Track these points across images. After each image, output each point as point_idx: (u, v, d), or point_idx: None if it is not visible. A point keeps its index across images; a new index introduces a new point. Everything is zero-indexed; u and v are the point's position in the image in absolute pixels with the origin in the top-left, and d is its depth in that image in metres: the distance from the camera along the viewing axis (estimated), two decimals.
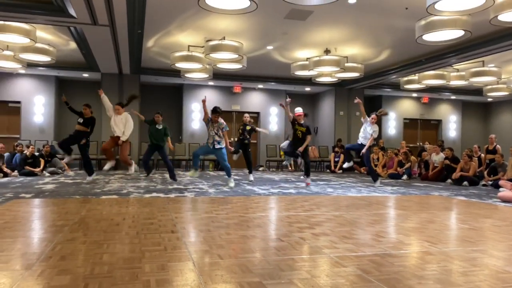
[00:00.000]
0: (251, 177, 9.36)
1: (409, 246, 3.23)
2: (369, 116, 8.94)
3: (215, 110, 7.99)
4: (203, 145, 8.44)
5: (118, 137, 8.35)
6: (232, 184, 7.99)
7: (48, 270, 2.41)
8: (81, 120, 8.32)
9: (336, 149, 14.03)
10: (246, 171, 9.89)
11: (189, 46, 9.97)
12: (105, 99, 8.49)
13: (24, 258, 2.68)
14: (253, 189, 7.65)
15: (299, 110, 8.88)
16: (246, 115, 9.92)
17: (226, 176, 8.16)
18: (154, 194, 6.49)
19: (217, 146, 7.89)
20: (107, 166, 8.41)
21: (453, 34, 7.60)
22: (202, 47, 9.76)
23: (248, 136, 9.55)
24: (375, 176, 9.11)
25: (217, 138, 7.92)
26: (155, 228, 3.71)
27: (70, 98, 13.95)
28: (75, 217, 4.22)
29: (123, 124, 8.41)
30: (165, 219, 4.18)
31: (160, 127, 8.96)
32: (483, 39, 9.11)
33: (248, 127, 9.61)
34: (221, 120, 8.06)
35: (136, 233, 3.48)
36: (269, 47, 10.56)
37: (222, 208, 5.06)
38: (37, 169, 10.14)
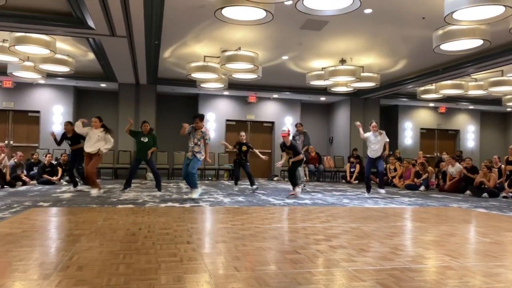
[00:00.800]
0: (254, 186, 9.17)
1: (429, 260, 3.15)
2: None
3: (198, 115, 7.47)
4: (184, 162, 7.50)
5: (91, 153, 7.72)
6: (195, 195, 7.22)
7: (65, 281, 2.42)
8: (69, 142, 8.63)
9: (352, 159, 13.90)
10: (261, 180, 9.76)
11: (205, 56, 10.05)
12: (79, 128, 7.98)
13: (42, 267, 2.70)
14: (268, 199, 7.61)
15: (284, 130, 8.25)
16: (242, 133, 9.62)
17: (190, 187, 7.48)
18: (170, 204, 6.50)
19: (198, 156, 7.23)
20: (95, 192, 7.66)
21: (472, 43, 7.51)
22: (218, 57, 9.83)
23: (244, 158, 9.34)
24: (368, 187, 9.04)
25: (196, 148, 7.24)
26: (170, 238, 3.70)
27: (87, 107, 14.33)
28: (92, 226, 4.25)
29: (96, 140, 7.77)
30: (181, 229, 4.18)
31: (146, 139, 8.39)
32: (502, 48, 8.97)
33: (244, 147, 9.36)
34: (205, 129, 7.48)
35: (152, 243, 3.48)
36: (285, 57, 10.58)
37: (238, 218, 5.04)
38: (55, 178, 10.29)
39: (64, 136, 8.75)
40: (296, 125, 10.61)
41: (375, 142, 8.79)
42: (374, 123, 8.90)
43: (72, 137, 8.45)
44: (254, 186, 9.14)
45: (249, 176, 9.36)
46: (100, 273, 2.57)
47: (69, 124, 8.50)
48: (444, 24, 6.98)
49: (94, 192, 7.59)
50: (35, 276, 2.52)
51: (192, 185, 7.33)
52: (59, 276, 2.50)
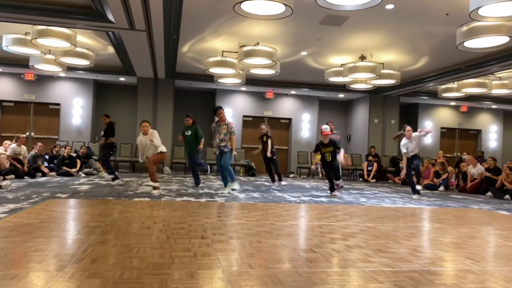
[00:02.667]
0: (276, 183, 9.29)
1: (449, 263, 3.05)
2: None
3: (219, 107, 7.68)
4: (217, 158, 7.74)
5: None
6: (236, 186, 7.63)
7: (79, 273, 2.42)
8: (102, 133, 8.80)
9: (370, 157, 13.72)
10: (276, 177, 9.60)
11: (223, 51, 10.01)
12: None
13: (56, 259, 2.71)
14: (284, 196, 7.55)
15: (326, 128, 8.17)
16: (263, 126, 9.64)
17: (229, 181, 7.59)
18: (185, 198, 6.51)
19: (225, 150, 7.43)
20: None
21: (497, 40, 7.28)
22: (236, 52, 9.78)
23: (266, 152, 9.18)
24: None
25: (222, 144, 7.42)
26: (185, 233, 3.69)
27: (107, 101, 14.50)
28: (108, 219, 4.26)
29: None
30: (196, 224, 4.16)
31: (189, 132, 8.62)
32: None
33: (264, 138, 9.34)
34: (228, 121, 7.58)
35: (167, 237, 3.46)
36: (303, 53, 10.46)
37: (253, 214, 5.00)
38: (74, 170, 10.43)
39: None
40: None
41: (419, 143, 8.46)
42: (408, 128, 8.49)
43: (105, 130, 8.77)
44: (283, 183, 9.33)
45: (277, 173, 9.42)
46: (113, 266, 2.56)
47: (107, 118, 8.90)
48: (468, 20, 6.78)
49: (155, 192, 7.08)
50: (50, 267, 2.52)
51: (231, 178, 7.58)
52: (73, 268, 2.50)
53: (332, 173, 8.19)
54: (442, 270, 2.85)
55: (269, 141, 9.34)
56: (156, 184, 7.10)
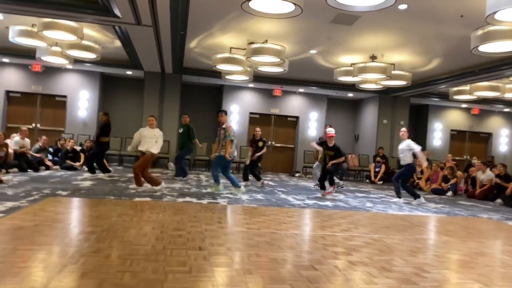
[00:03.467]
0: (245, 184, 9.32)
1: (457, 287, 2.90)
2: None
3: (218, 111, 7.99)
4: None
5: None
6: (220, 187, 7.64)
7: None
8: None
9: (378, 158, 13.51)
10: (282, 175, 9.60)
11: (231, 48, 9.85)
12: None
13: (45, 271, 2.59)
14: (288, 198, 7.41)
15: (331, 131, 8.17)
16: (258, 129, 9.74)
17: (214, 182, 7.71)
18: (187, 199, 6.40)
19: (217, 154, 7.56)
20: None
21: None
22: (244, 49, 9.61)
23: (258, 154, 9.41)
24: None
25: (220, 148, 7.55)
26: (182, 242, 3.57)
27: (113, 94, 14.40)
28: (105, 222, 4.15)
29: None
30: (195, 231, 4.04)
31: (181, 130, 9.35)
32: None
33: (260, 143, 9.43)
34: (226, 125, 7.58)
35: (163, 247, 3.34)
36: (313, 51, 10.26)
37: (254, 221, 4.86)
38: (77, 164, 10.37)
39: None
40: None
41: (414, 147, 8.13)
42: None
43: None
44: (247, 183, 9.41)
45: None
46: (102, 283, 2.44)
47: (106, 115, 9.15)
48: (483, 23, 6.54)
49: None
50: (36, 283, 2.41)
51: (215, 181, 7.64)
52: (60, 284, 2.39)
53: (325, 174, 8.21)
54: None
55: (265, 147, 9.62)
56: (140, 188, 7.25)
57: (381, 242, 4.16)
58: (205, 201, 6.28)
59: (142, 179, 7.35)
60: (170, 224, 4.31)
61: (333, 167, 8.03)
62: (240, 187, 7.68)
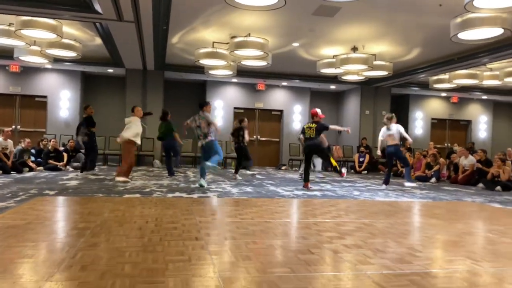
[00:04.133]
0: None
1: (450, 264, 2.99)
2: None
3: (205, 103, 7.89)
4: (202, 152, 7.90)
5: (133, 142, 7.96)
6: (209, 164, 7.43)
7: (67, 283, 2.30)
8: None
9: (361, 148, 13.70)
10: (269, 169, 9.66)
11: (213, 42, 9.84)
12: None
13: (44, 266, 2.57)
14: (277, 190, 7.47)
15: (315, 109, 8.14)
16: (245, 119, 9.80)
17: (210, 164, 7.41)
18: (177, 194, 6.39)
19: (210, 139, 7.57)
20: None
21: (491, 32, 7.22)
22: (227, 43, 9.61)
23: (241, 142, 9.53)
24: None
25: (204, 136, 7.59)
26: (178, 234, 3.57)
27: (95, 93, 14.21)
28: (98, 218, 4.13)
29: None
30: (189, 223, 4.05)
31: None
32: None
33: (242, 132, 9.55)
34: (203, 113, 7.73)
35: (159, 239, 3.35)
36: (295, 44, 10.33)
37: (247, 211, 4.90)
38: (61, 163, 10.21)
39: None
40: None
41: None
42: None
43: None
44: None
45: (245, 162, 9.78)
46: (104, 274, 2.44)
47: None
48: (462, 11, 6.70)
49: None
50: (37, 276, 2.39)
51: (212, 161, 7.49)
52: (61, 277, 2.38)
53: (309, 164, 8.09)
54: (443, 272, 2.79)
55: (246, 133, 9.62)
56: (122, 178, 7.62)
57: (372, 227, 4.25)
58: (195, 195, 6.29)
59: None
60: (163, 217, 4.31)
61: (321, 146, 7.86)
62: (204, 180, 7.61)
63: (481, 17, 6.77)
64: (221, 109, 14.71)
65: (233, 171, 9.89)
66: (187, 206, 5.14)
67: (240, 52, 9.40)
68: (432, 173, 10.95)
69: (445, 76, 12.33)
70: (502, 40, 8.42)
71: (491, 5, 5.98)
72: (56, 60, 11.26)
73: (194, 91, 15.12)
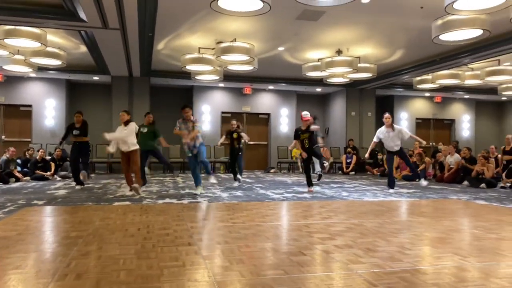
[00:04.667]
0: (239, 179, 8.97)
1: (439, 260, 3.07)
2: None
3: (185, 106, 7.31)
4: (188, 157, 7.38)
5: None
6: (213, 180, 7.86)
7: None
8: (77, 132, 7.98)
9: (348, 149, 13.84)
10: (257, 172, 9.64)
11: (199, 48, 9.87)
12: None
13: (38, 276, 2.58)
14: (267, 193, 7.52)
15: (306, 114, 7.94)
16: (234, 122, 9.12)
17: (204, 174, 7.59)
18: (167, 200, 6.40)
19: (197, 145, 7.15)
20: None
21: (471, 33, 7.40)
22: (213, 49, 9.65)
23: (238, 145, 8.90)
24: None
25: (192, 143, 7.14)
26: (171, 240, 3.60)
27: (81, 101, 14.09)
28: (89, 227, 4.12)
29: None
30: (181, 229, 4.07)
31: (145, 130, 8.23)
32: (500, 38, 8.88)
33: (235, 135, 8.90)
34: (195, 119, 7.33)
35: (152, 246, 3.37)
36: (281, 48, 10.42)
37: (238, 216, 4.94)
38: (48, 173, 10.11)
39: (71, 128, 8.16)
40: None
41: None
42: (387, 115, 8.45)
43: (81, 128, 8.02)
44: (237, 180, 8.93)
45: (239, 168, 9.16)
46: (100, 282, 2.46)
47: (80, 115, 8.09)
48: (443, 13, 6.85)
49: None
50: (32, 287, 2.40)
51: (207, 171, 7.67)
52: (56, 286, 2.39)
53: (310, 167, 8.07)
54: (433, 268, 2.86)
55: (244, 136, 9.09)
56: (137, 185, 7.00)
57: (362, 227, 4.32)
58: (185, 201, 6.30)
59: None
60: (155, 224, 4.32)
61: (316, 148, 7.99)
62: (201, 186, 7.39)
63: (461, 19, 6.94)
64: (208, 113, 14.73)
65: (222, 175, 9.87)
66: (178, 212, 5.16)
67: (226, 57, 9.44)
68: (419, 172, 11.10)
69: (428, 76, 12.56)
70: (481, 40, 8.62)
71: (470, 7, 6.13)
72: (41, 68, 11.15)
73: (181, 96, 15.09)
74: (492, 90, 14.96)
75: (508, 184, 9.19)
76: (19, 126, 13.34)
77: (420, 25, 8.30)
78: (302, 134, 7.85)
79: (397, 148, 8.30)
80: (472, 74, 11.88)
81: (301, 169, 14.15)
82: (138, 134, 7.68)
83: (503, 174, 9.67)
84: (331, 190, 8.28)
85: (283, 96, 15.47)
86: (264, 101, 15.41)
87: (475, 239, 3.86)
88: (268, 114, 15.51)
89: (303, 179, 10.65)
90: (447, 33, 7.32)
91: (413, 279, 2.57)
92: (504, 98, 17.14)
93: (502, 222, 4.75)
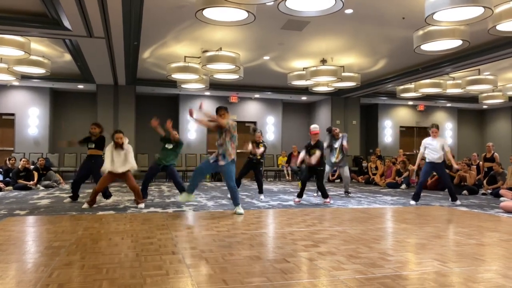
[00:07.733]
0: (262, 197, 8.12)
1: (419, 266, 3.13)
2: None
3: (220, 108, 6.38)
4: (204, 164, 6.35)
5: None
6: (240, 211, 5.88)
7: None
8: (92, 145, 7.29)
9: None
10: (244, 181, 9.60)
11: (185, 57, 9.89)
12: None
13: (19, 287, 2.55)
14: (252, 201, 7.54)
15: (315, 128, 7.63)
16: (258, 133, 8.51)
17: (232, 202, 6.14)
18: (152, 209, 6.36)
19: (221, 162, 5.98)
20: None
21: (451, 43, 7.58)
22: (199, 57, 9.69)
23: (258, 157, 8.35)
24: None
25: (220, 150, 6.06)
26: (155, 248, 3.59)
27: (65, 110, 13.96)
28: (72, 237, 4.09)
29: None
30: (165, 238, 4.06)
31: (171, 146, 7.63)
32: (479, 48, 9.11)
33: (261, 146, 8.38)
34: (231, 122, 6.26)
35: (136, 255, 3.36)
36: (266, 57, 10.51)
37: (223, 224, 4.95)
38: (31, 183, 9.97)
39: (87, 140, 7.44)
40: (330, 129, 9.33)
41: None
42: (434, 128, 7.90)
43: (96, 142, 7.35)
44: (262, 197, 8.10)
45: (259, 184, 8.40)
46: None
47: (96, 127, 7.36)
48: (424, 24, 7.02)
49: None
50: None
51: (235, 200, 6.02)
52: None
53: (306, 180, 7.74)
54: (413, 274, 2.92)
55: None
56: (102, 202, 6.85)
57: (345, 234, 4.37)
58: (170, 210, 6.28)
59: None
60: (139, 233, 4.31)
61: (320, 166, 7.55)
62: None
63: (441, 30, 7.11)
64: (194, 122, 14.70)
65: (209, 184, 9.84)
66: (163, 221, 5.14)
67: (212, 66, 9.47)
68: (402, 179, 11.26)
69: (411, 85, 12.78)
70: (461, 50, 8.81)
71: (449, 18, 6.30)
72: (24, 77, 11.03)
73: (167, 105, 15.08)
74: (473, 98, 15.30)
75: (489, 191, 9.37)
76: (1, 135, 13.14)
77: (402, 35, 8.47)
78: (312, 150, 7.53)
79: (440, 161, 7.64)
80: (453, 83, 12.13)
81: (287, 177, 14.22)
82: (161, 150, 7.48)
83: (484, 181, 9.87)
84: (316, 198, 8.34)
85: (269, 104, 15.56)
86: (250, 110, 15.48)
87: (455, 245, 3.94)
88: (254, 123, 15.55)
89: (289, 187, 10.72)
90: (428, 43, 7.48)
91: (393, 284, 2.62)
92: (485, 107, 17.53)
93: (482, 228, 4.85)
